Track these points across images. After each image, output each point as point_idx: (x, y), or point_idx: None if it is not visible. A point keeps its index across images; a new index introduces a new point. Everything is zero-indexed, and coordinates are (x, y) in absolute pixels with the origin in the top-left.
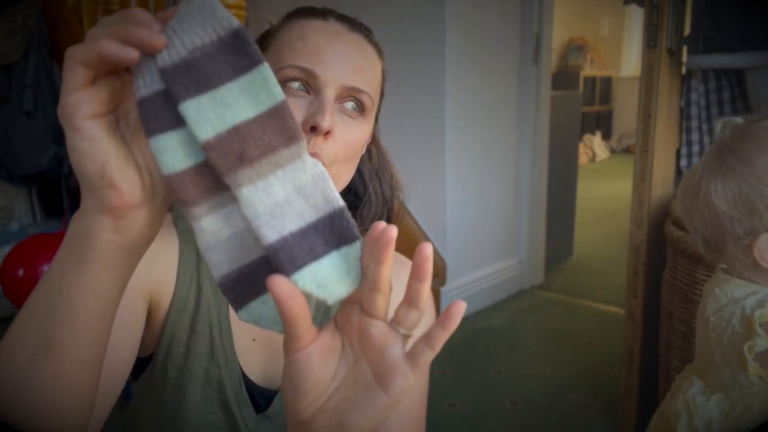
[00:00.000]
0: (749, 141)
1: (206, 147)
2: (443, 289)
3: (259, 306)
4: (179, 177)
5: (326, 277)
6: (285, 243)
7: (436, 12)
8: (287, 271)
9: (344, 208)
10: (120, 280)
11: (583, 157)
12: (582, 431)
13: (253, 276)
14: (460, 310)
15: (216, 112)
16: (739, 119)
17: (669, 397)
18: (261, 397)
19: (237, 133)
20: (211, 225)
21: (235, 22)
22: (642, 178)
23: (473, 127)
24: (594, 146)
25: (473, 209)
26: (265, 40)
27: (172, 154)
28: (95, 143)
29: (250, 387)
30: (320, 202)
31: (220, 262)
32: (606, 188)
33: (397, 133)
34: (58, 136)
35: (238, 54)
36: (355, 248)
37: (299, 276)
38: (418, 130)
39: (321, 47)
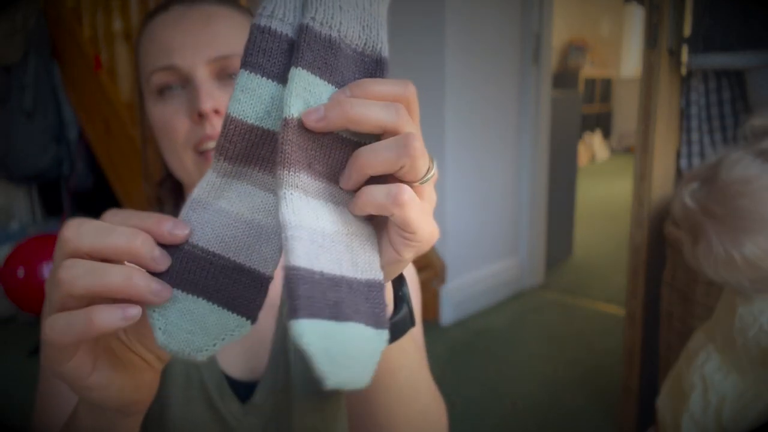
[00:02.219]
0: (747, 200)
1: (285, 124)
2: (443, 289)
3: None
4: (239, 126)
5: (338, 351)
6: (312, 279)
7: (436, 11)
8: (297, 312)
9: (383, 285)
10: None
11: (583, 157)
12: (582, 431)
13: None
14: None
15: (317, 99)
16: (692, 185)
17: (684, 363)
18: (244, 390)
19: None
20: (230, 190)
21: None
22: (642, 178)
23: (473, 127)
24: (594, 146)
25: (473, 209)
26: (138, 56)
27: (254, 101)
28: (107, 390)
29: (233, 383)
30: (363, 263)
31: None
32: (606, 188)
33: None
34: (58, 136)
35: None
36: (382, 336)
37: (307, 325)
38: None
39: (169, 37)
